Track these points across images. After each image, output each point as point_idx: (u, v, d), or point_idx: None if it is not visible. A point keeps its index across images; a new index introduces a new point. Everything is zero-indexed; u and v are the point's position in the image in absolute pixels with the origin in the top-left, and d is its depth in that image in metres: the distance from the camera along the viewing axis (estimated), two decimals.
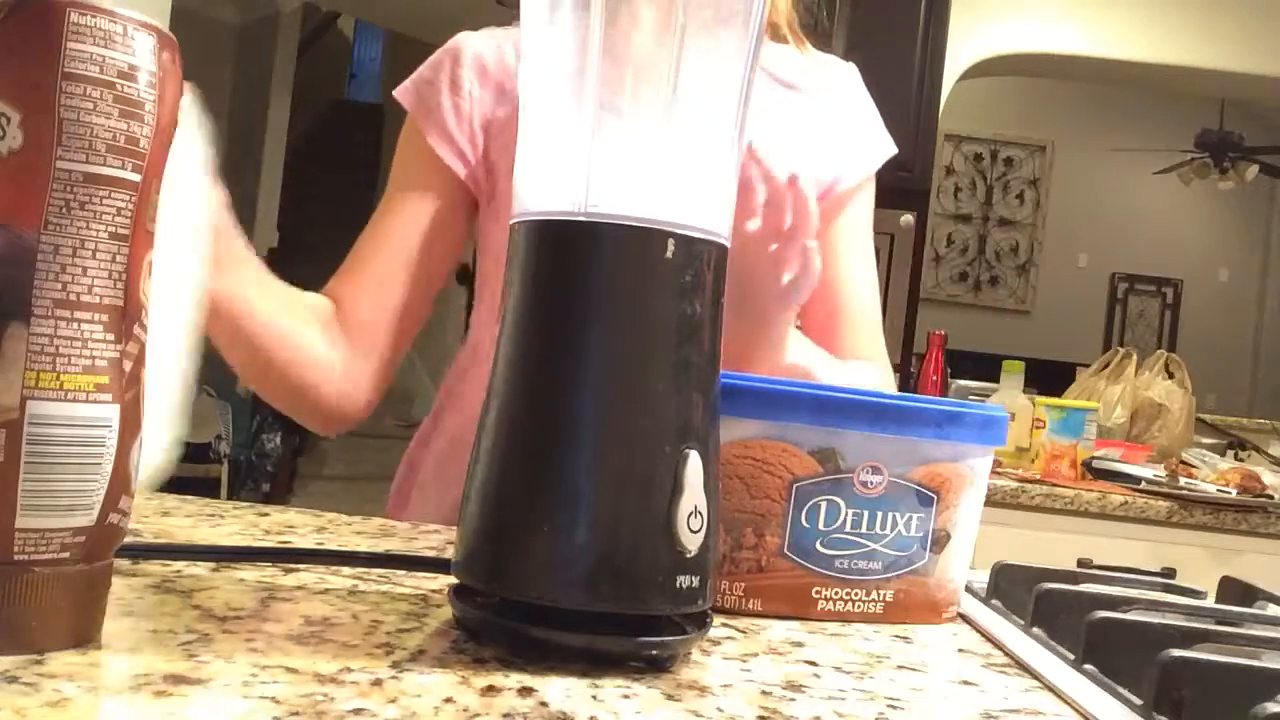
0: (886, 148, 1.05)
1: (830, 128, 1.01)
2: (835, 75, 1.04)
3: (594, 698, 0.42)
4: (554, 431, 0.46)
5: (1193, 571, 0.75)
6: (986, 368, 3.59)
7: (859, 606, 0.60)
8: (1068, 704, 0.48)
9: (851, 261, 1.02)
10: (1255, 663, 0.50)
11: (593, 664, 0.45)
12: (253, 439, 5.98)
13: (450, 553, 0.49)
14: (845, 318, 1.01)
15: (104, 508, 0.40)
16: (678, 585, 0.46)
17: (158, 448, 0.69)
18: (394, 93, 0.97)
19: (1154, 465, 2.38)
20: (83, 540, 0.40)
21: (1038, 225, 8.14)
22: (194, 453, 5.69)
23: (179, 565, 0.56)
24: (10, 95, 0.38)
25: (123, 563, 0.54)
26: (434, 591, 0.56)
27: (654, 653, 0.46)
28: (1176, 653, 0.46)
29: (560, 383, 0.46)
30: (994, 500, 2.09)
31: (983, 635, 0.61)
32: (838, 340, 0.99)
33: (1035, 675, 0.53)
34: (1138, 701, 0.47)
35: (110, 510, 0.40)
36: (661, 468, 0.45)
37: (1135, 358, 2.75)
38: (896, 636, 0.58)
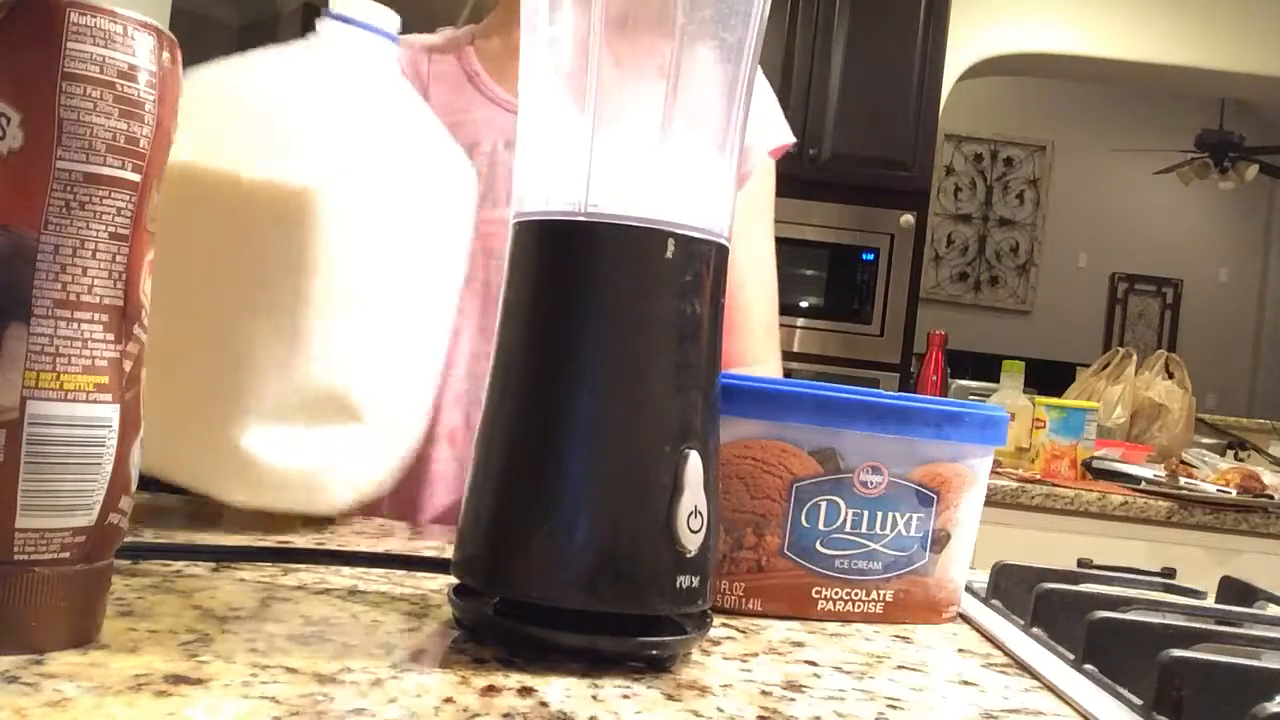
0: (777, 137, 1.04)
1: None
2: None
3: (594, 698, 0.42)
4: (554, 431, 0.46)
5: (1193, 571, 0.76)
6: (986, 368, 3.59)
7: (859, 606, 0.60)
8: (1068, 704, 0.48)
9: (741, 239, 0.96)
10: (1255, 663, 0.50)
11: (593, 664, 0.45)
12: None
13: (450, 553, 0.49)
14: (731, 316, 0.97)
15: (104, 508, 0.40)
16: (678, 585, 0.46)
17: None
18: None
19: (1154, 465, 2.38)
20: (83, 540, 0.40)
21: (1038, 225, 8.14)
22: None
23: (179, 565, 0.56)
24: (10, 95, 0.38)
25: (123, 563, 0.54)
26: (434, 591, 0.56)
27: (654, 653, 0.46)
28: (1176, 653, 0.46)
29: (560, 382, 0.46)
30: (994, 500, 2.09)
31: (983, 635, 0.61)
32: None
33: (1035, 675, 0.53)
34: (1138, 701, 0.47)
35: (110, 510, 0.40)
36: (661, 468, 0.45)
37: (1135, 358, 2.75)
38: (896, 636, 0.58)
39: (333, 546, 0.65)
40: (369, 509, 0.90)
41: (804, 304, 3.40)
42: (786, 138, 1.05)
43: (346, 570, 0.59)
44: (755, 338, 0.97)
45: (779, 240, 1.05)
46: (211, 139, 0.63)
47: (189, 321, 0.63)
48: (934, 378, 2.74)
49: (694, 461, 0.46)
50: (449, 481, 0.91)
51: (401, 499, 0.95)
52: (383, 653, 0.44)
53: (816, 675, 0.49)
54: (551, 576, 0.45)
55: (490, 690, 0.41)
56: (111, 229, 0.39)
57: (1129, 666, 0.50)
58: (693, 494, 0.46)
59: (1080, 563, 0.76)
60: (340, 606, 0.51)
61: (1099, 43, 4.70)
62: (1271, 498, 2.15)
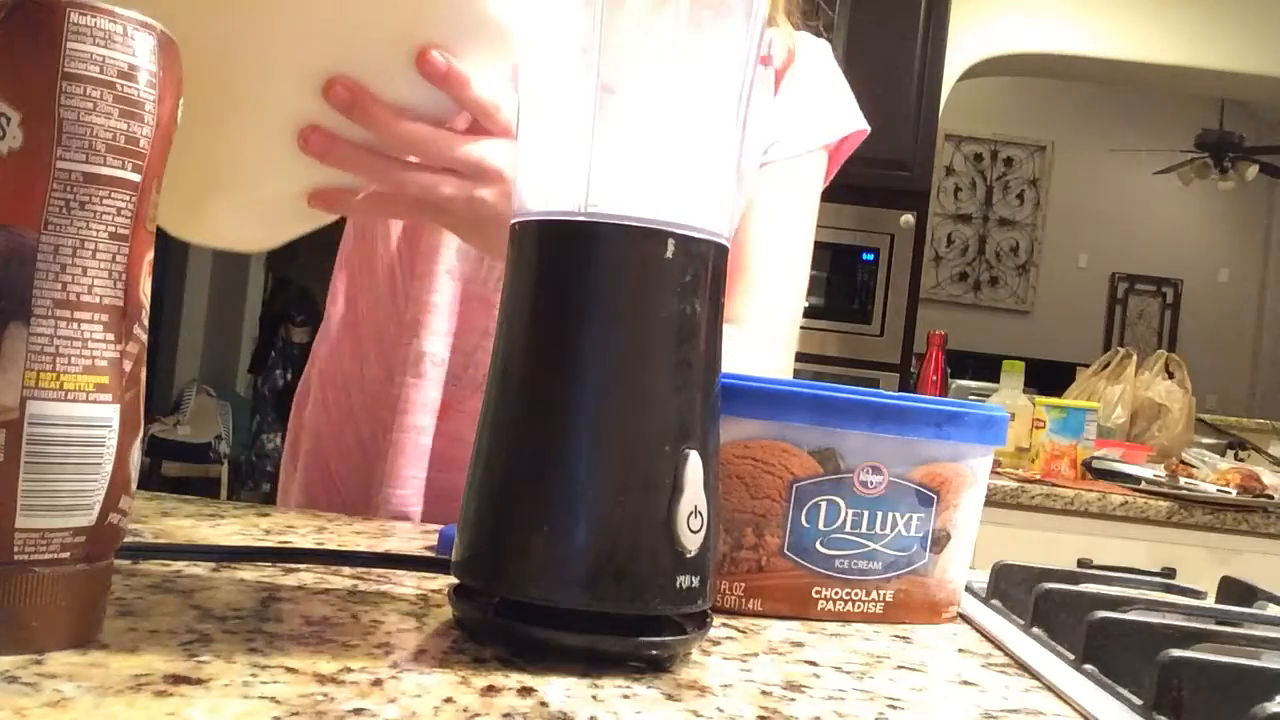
0: (840, 126, 1.03)
1: (781, 98, 1.00)
2: (801, 50, 1.03)
3: (594, 698, 0.42)
4: (554, 431, 0.46)
5: (1193, 571, 0.76)
6: (986, 368, 3.59)
7: (859, 606, 0.60)
8: (1068, 704, 0.48)
9: (768, 225, 0.98)
10: (1255, 663, 0.50)
11: (593, 664, 0.45)
12: (253, 439, 5.99)
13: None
14: (732, 275, 0.94)
15: (104, 508, 0.40)
16: (678, 585, 0.46)
17: None
18: None
19: (1154, 465, 2.39)
20: (83, 540, 0.40)
21: (1038, 225, 8.14)
22: (194, 453, 5.69)
23: (179, 565, 0.56)
24: (10, 95, 0.38)
25: (123, 563, 0.54)
26: (434, 591, 0.56)
27: (654, 653, 0.46)
28: (1176, 653, 0.46)
29: (560, 383, 0.46)
30: (994, 500, 2.09)
31: (983, 635, 0.61)
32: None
33: (1035, 675, 0.53)
34: (1138, 701, 0.47)
35: (110, 510, 0.40)
36: (661, 468, 0.45)
37: (1135, 358, 2.75)
38: (896, 636, 0.58)
39: (333, 546, 0.65)
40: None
41: (804, 304, 3.39)
42: (850, 126, 1.03)
43: (346, 570, 0.59)
44: (759, 303, 0.95)
45: None
46: None
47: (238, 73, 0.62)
48: (934, 378, 2.75)
49: (694, 461, 0.46)
50: (421, 455, 0.89)
51: (370, 467, 0.92)
52: (383, 653, 0.44)
53: (816, 675, 0.49)
54: (551, 576, 0.45)
55: (490, 690, 0.41)
56: (111, 229, 0.39)
57: (1129, 666, 0.50)
58: (693, 494, 0.46)
59: (1080, 563, 0.76)
60: (340, 606, 0.51)
61: (1099, 43, 4.70)
62: (1271, 498, 2.15)
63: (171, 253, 6.12)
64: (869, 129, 1.06)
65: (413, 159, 0.65)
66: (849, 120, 1.05)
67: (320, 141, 0.63)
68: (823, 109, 1.03)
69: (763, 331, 0.94)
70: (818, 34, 1.08)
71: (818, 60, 1.05)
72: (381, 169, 0.64)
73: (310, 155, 0.63)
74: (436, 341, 0.90)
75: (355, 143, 0.63)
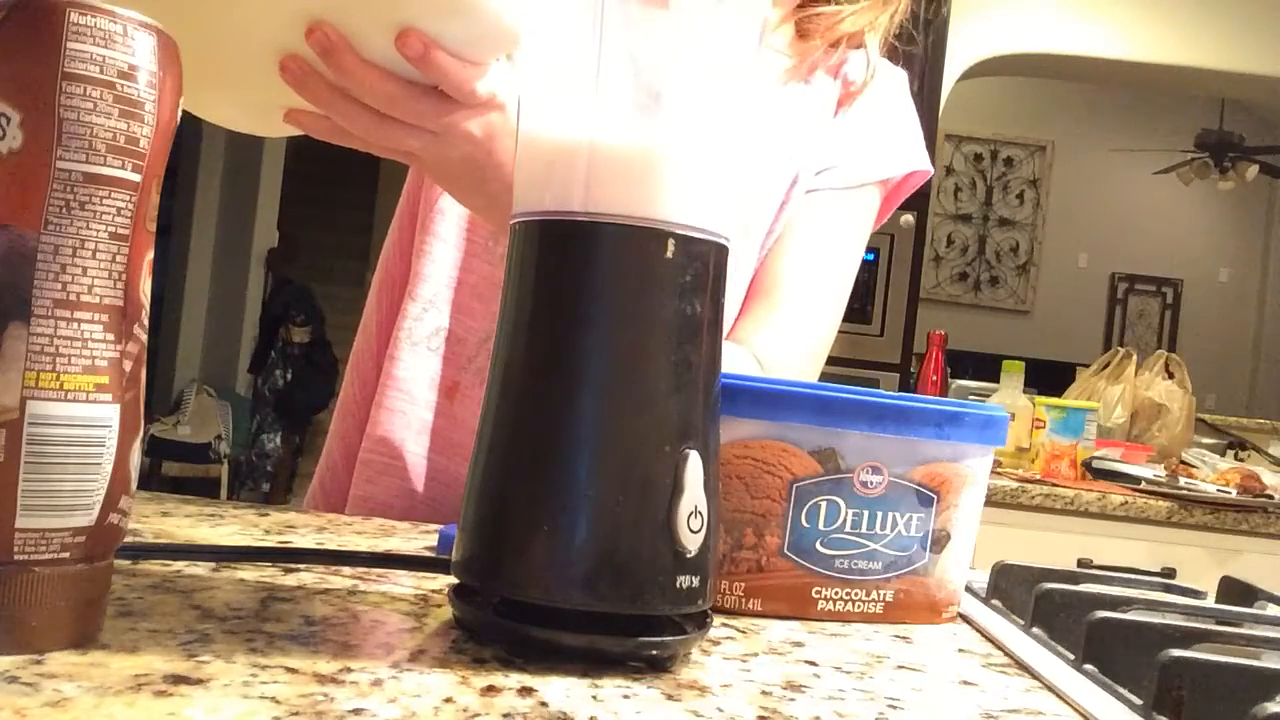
0: (900, 163, 0.98)
1: (841, 121, 0.97)
2: (876, 78, 0.99)
3: (594, 698, 0.42)
4: (554, 431, 0.46)
5: (1193, 571, 0.76)
6: (986, 368, 3.59)
7: (859, 606, 0.60)
8: (1068, 704, 0.48)
9: (805, 255, 0.94)
10: (1255, 663, 0.50)
11: (593, 664, 0.45)
12: (253, 439, 6.00)
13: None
14: (759, 300, 0.92)
15: (104, 508, 0.40)
16: (678, 585, 0.46)
17: None
18: None
19: (1154, 465, 2.39)
20: (83, 540, 0.40)
21: (1038, 225, 8.15)
22: (194, 453, 5.70)
23: (179, 565, 0.56)
24: (10, 95, 0.38)
25: (123, 563, 0.54)
26: (434, 591, 0.56)
27: (654, 653, 0.46)
28: (1176, 653, 0.46)
29: (560, 383, 0.46)
30: (994, 500, 2.09)
31: (983, 635, 0.61)
32: (740, 318, 0.91)
33: (1035, 675, 0.53)
34: (1138, 701, 0.47)
35: (110, 510, 0.40)
36: (661, 468, 0.45)
37: (1135, 358, 2.75)
38: (896, 636, 0.58)
39: (333, 546, 0.65)
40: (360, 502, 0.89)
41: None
42: (910, 165, 0.98)
43: (346, 570, 0.59)
44: (772, 328, 0.91)
45: None
46: None
47: None
48: (934, 378, 2.75)
49: (694, 461, 0.46)
50: (423, 435, 0.89)
51: (385, 445, 0.90)
52: (383, 653, 0.44)
53: (816, 675, 0.49)
54: (551, 576, 0.45)
55: (490, 690, 0.41)
56: (111, 229, 0.39)
57: (1129, 666, 0.50)
58: (693, 494, 0.46)
59: (1080, 563, 0.76)
60: (340, 606, 0.51)
61: (1099, 43, 4.70)
62: (1271, 498, 2.15)
63: (171, 253, 6.12)
64: (932, 171, 1.00)
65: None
66: (911, 159, 0.99)
67: (297, 72, 0.64)
68: (885, 143, 0.98)
69: (771, 369, 0.90)
70: (907, 60, 1.02)
71: (890, 91, 1.00)
72: (353, 115, 0.65)
73: (286, 82, 0.64)
74: (441, 304, 0.89)
75: (331, 83, 0.64)
